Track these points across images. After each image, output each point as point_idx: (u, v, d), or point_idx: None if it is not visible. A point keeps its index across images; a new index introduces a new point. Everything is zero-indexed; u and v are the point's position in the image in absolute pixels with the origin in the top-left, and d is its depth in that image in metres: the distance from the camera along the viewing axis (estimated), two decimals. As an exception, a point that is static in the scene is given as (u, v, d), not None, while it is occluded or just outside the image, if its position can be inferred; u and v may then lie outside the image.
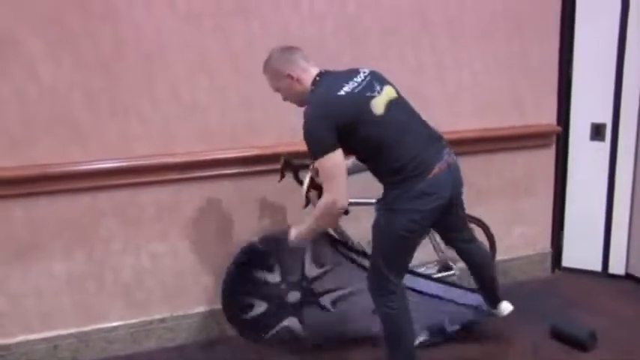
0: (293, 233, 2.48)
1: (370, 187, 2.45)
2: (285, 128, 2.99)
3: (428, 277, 2.96)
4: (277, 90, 2.41)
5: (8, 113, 2.60)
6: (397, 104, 2.33)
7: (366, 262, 2.71)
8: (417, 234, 2.36)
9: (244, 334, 2.86)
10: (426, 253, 3.06)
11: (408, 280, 2.74)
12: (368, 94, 2.25)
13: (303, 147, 2.93)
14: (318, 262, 2.79)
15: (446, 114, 3.27)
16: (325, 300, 2.85)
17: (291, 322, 2.85)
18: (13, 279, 2.75)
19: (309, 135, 2.19)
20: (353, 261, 2.81)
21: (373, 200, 2.65)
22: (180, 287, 3.01)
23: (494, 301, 2.88)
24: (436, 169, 2.27)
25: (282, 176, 2.77)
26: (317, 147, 2.18)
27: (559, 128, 3.56)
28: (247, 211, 3.03)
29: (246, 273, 2.74)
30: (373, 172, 2.40)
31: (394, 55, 3.13)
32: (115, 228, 2.84)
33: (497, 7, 3.30)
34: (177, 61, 2.78)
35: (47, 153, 2.67)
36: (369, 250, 2.62)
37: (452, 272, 3.10)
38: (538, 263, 3.72)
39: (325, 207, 2.23)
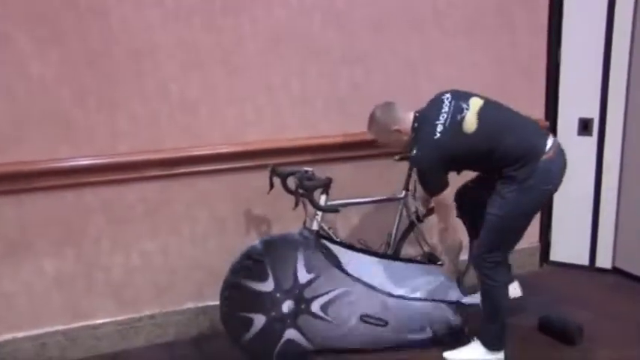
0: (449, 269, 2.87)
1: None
2: (275, 124, 3.00)
3: (398, 258, 3.00)
4: (386, 144, 2.73)
5: (-4, 110, 2.57)
6: (488, 109, 2.54)
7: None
8: (534, 213, 2.59)
9: (256, 356, 2.79)
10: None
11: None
12: (458, 117, 2.48)
13: (290, 143, 3.00)
14: (309, 267, 2.74)
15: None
16: (315, 306, 2.77)
17: (291, 334, 2.77)
18: (2, 277, 2.72)
19: (425, 180, 2.56)
20: (338, 266, 2.78)
21: (361, 200, 2.93)
22: (170, 283, 3.00)
23: None
24: (550, 154, 2.48)
25: (272, 185, 2.81)
26: (433, 187, 2.56)
27: (547, 123, 3.58)
28: (237, 206, 3.02)
29: (240, 284, 2.68)
30: (489, 172, 2.61)
31: (384, 50, 3.13)
32: (103, 225, 2.82)
33: (486, 2, 3.30)
34: (167, 57, 2.76)
35: (36, 150, 2.64)
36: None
37: (439, 263, 3.12)
38: (526, 257, 3.75)
39: (455, 242, 2.72)
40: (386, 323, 2.85)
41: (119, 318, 2.94)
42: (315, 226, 2.78)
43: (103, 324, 2.91)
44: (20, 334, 2.79)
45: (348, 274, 2.79)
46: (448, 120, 2.47)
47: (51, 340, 2.83)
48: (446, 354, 2.76)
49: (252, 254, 2.67)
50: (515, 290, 2.96)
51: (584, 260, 3.76)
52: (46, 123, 2.64)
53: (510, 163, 2.46)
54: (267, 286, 2.70)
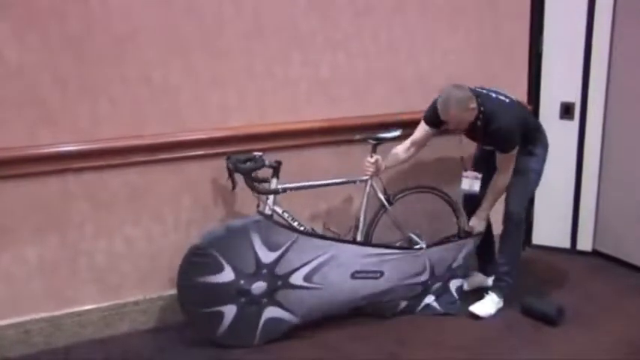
0: (479, 224, 3.12)
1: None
2: (257, 109, 2.99)
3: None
4: (458, 123, 2.83)
5: (-27, 96, 2.52)
6: None
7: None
8: None
9: (237, 345, 2.78)
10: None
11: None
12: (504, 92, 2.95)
13: (272, 128, 2.99)
14: (270, 246, 2.72)
15: (419, 93, 3.28)
16: (296, 279, 2.78)
17: (271, 312, 2.78)
18: (-18, 264, 2.70)
19: (509, 139, 2.84)
20: (308, 233, 2.82)
21: (316, 183, 2.92)
22: (155, 269, 2.99)
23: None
24: None
25: (233, 184, 2.79)
26: (511, 146, 2.85)
27: (529, 107, 3.61)
28: (220, 191, 3.01)
29: (195, 283, 2.67)
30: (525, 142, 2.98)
31: (367, 35, 3.13)
32: (86, 212, 2.80)
33: (469, -13, 3.31)
34: (148, 41, 2.73)
35: (15, 135, 2.59)
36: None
37: (419, 246, 3.15)
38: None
39: (504, 186, 2.99)
40: (381, 274, 2.86)
41: (103, 304, 2.93)
42: (267, 211, 2.78)
43: (88, 310, 2.90)
44: (3, 322, 2.76)
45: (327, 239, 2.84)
46: (502, 94, 2.90)
47: (35, 327, 2.81)
48: (471, 308, 3.03)
49: (196, 251, 2.66)
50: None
51: (566, 243, 3.81)
52: (25, 109, 2.59)
53: (537, 128, 3.02)
54: (226, 276, 2.69)
